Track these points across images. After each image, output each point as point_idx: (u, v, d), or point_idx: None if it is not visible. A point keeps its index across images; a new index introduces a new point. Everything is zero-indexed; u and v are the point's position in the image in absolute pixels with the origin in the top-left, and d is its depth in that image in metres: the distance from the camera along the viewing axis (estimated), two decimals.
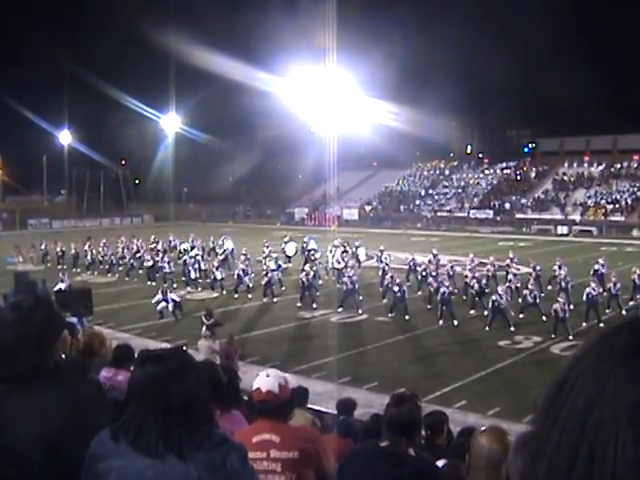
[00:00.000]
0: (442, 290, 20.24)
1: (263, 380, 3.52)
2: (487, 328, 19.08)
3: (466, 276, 23.18)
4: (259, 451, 3.35)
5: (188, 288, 25.90)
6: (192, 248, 30.86)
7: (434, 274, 23.34)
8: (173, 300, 20.96)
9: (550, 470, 0.57)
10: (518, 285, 22.21)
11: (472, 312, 21.11)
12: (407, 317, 20.64)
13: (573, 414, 0.56)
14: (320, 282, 25.67)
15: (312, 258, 28.74)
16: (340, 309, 21.76)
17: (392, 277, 21.77)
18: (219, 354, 13.27)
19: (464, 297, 22.48)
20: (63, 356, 2.31)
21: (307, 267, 23.81)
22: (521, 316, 20.13)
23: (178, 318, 20.55)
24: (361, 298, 23.16)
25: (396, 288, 21.05)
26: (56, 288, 20.36)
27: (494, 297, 19.39)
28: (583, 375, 0.57)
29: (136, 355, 6.28)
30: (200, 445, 1.95)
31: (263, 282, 23.87)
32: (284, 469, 3.34)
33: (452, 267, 24.90)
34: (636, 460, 0.52)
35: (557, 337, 17.81)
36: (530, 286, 20.56)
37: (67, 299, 18.15)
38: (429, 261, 26.41)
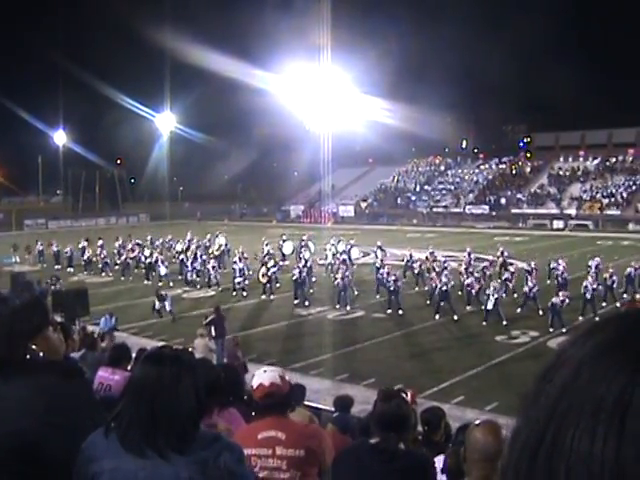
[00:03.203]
0: (441, 286, 20.25)
1: (262, 376, 3.56)
2: (484, 322, 19.14)
3: (461, 272, 23.19)
4: (265, 448, 3.35)
5: (186, 287, 25.91)
6: (187, 248, 30.80)
7: (435, 270, 23.25)
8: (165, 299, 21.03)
9: (519, 459, 0.55)
10: (513, 281, 22.24)
11: (468, 308, 21.14)
12: (400, 312, 20.65)
13: (547, 400, 0.55)
14: (314, 279, 25.68)
15: (305, 256, 28.62)
16: (338, 305, 21.80)
17: (388, 273, 21.74)
18: (227, 355, 13.46)
19: (459, 292, 22.49)
20: (51, 355, 2.26)
21: (300, 264, 23.93)
22: (518, 311, 20.17)
23: (175, 318, 20.57)
24: (357, 293, 23.27)
25: (391, 280, 21.04)
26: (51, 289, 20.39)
27: (489, 292, 19.47)
28: (564, 365, 0.56)
29: (134, 354, 6.32)
30: (184, 449, 1.92)
31: (263, 280, 23.88)
32: (289, 467, 3.34)
33: (445, 262, 24.82)
34: (589, 452, 0.49)
35: (554, 331, 17.85)
36: (529, 282, 20.56)
37: (64, 299, 18.22)
38: (426, 257, 26.44)
